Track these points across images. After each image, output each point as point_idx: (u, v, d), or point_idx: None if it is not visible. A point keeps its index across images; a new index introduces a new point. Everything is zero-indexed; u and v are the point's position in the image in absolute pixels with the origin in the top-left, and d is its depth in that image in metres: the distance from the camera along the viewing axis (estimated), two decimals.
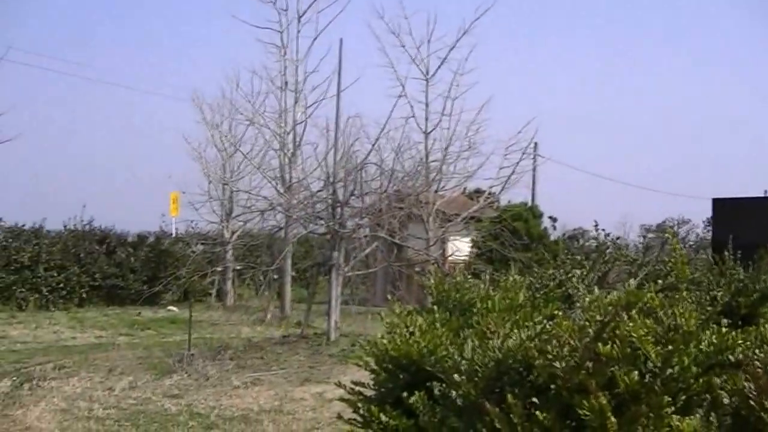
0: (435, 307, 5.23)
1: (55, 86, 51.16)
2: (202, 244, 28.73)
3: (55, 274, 25.59)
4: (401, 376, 4.78)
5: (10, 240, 25.49)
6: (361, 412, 4.78)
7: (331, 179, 16.75)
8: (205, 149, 27.73)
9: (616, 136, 67.44)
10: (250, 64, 27.41)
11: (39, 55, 64.72)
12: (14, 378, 12.90)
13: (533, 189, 36.51)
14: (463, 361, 4.36)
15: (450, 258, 23.63)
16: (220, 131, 27.49)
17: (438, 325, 4.87)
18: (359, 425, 4.82)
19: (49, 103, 48.54)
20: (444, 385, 4.42)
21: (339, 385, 5.01)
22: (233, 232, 27.34)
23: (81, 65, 67.70)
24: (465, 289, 5.36)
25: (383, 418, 4.56)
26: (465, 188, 26.86)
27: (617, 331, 3.98)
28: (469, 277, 5.59)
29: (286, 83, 24.54)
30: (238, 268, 27.74)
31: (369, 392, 4.98)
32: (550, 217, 29.89)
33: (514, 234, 24.13)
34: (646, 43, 68.74)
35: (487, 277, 5.51)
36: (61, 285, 25.75)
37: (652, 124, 70.45)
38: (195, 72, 48.38)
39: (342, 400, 4.99)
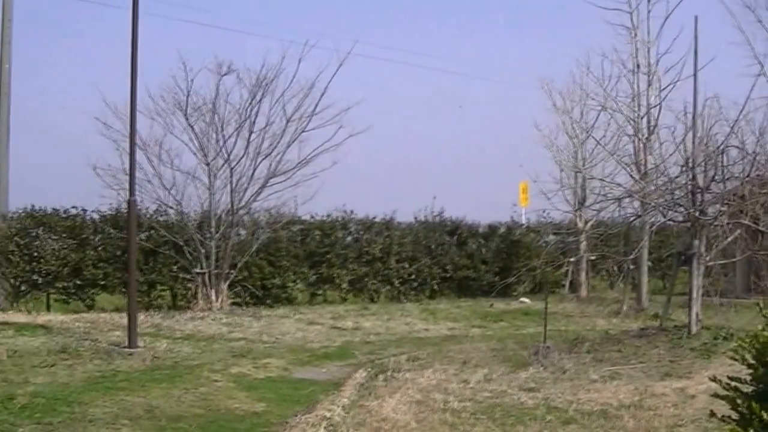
0: None
1: (400, 77, 52.52)
2: (554, 234, 28.47)
3: (407, 266, 26.06)
4: None
5: (362, 232, 26.17)
6: (740, 409, 4.33)
7: (690, 164, 15.95)
8: (556, 137, 27.39)
9: None
10: (600, 48, 26.75)
11: (385, 48, 66.92)
12: (369, 369, 13.20)
13: None
14: None
15: None
16: (571, 117, 27.05)
17: None
18: (735, 422, 4.37)
19: (397, 94, 49.85)
20: None
21: (713, 379, 4.56)
22: (586, 221, 26.85)
23: (423, 56, 69.23)
24: None
25: (766, 416, 4.09)
26: None
27: None
28: None
29: (638, 66, 23.82)
30: (592, 258, 27.20)
31: (746, 388, 4.51)
32: None
33: None
34: None
35: None
36: (413, 277, 26.22)
37: None
38: (544, 58, 48.09)
39: (716, 396, 4.54)
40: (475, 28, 58.13)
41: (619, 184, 21.23)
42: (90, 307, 21.39)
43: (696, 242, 15.36)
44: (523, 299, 25.71)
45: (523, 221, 30.18)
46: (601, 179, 24.58)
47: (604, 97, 24.70)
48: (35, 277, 20.77)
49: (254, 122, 21.43)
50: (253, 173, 21.46)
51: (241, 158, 21.37)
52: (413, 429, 9.28)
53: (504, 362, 13.68)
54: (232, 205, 21.31)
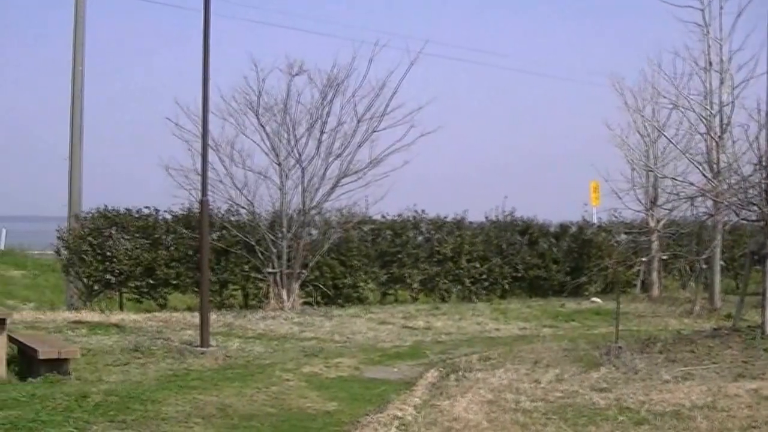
0: None
1: (471, 77, 52.55)
2: (626, 233, 28.23)
3: (478, 266, 25.88)
4: None
5: (433, 232, 26.01)
6: None
7: (764, 162, 15.72)
8: (627, 135, 27.08)
9: None
10: (672, 45, 26.41)
11: (456, 47, 67.05)
12: (441, 369, 13.19)
13: None
14: None
15: None
16: (642, 116, 26.75)
17: None
18: None
19: (466, 94, 49.85)
20: None
21: None
22: (658, 221, 26.59)
23: (497, 55, 69.13)
24: None
25: None
26: None
27: None
28: None
29: (711, 63, 23.48)
30: (664, 258, 26.90)
31: None
32: None
33: None
34: None
35: None
36: (484, 276, 26.05)
37: None
38: (615, 56, 47.75)
39: None
40: (543, 26, 57.95)
41: (692, 183, 21.04)
42: (162, 307, 21.64)
43: None
44: (594, 299, 25.48)
45: (595, 221, 29.95)
46: (673, 178, 24.36)
47: (676, 95, 24.38)
48: (108, 276, 21.07)
49: (325, 122, 21.50)
50: (324, 173, 21.54)
51: (313, 158, 21.46)
52: (485, 428, 9.26)
53: (575, 362, 13.57)
54: (303, 205, 21.41)
